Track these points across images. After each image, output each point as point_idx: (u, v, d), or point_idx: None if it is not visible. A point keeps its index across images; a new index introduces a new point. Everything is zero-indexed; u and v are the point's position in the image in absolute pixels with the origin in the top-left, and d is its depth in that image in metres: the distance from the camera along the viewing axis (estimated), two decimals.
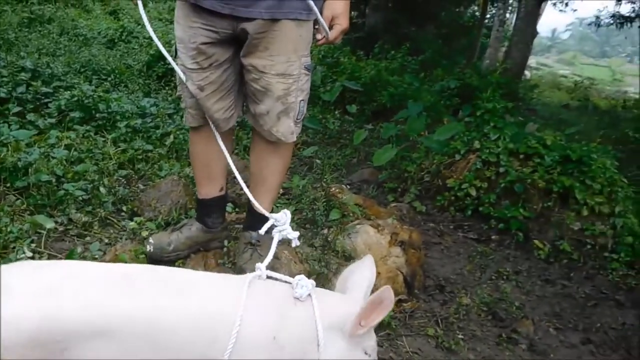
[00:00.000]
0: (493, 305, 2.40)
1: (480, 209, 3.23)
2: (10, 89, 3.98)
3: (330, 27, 1.63)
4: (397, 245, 2.47)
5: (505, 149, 3.33)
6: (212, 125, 1.76)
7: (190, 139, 2.02)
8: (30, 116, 3.68)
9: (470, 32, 11.65)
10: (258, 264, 1.18)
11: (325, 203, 2.67)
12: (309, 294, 1.08)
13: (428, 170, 3.48)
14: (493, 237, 3.14)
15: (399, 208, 3.09)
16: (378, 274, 2.31)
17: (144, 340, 0.91)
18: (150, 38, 6.72)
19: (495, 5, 10.63)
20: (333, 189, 2.84)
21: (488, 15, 11.93)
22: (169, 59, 1.63)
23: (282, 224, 1.44)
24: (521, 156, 3.35)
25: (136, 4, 1.64)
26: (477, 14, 12.97)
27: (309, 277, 2.04)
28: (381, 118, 4.78)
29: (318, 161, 3.63)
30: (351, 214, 2.64)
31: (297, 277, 1.13)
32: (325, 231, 2.42)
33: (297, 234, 1.45)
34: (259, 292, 1.07)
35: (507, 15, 10.91)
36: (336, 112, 4.68)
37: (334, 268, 2.22)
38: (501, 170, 3.25)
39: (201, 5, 1.63)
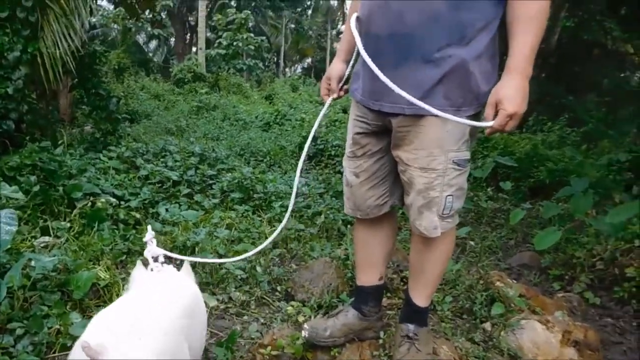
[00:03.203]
0: None
1: None
2: (181, 172, 4.45)
3: (497, 113, 1.55)
4: (571, 345, 2.18)
5: None
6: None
7: (354, 226, 2.07)
8: (198, 197, 4.05)
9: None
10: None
11: (483, 292, 2.47)
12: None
13: (601, 257, 3.09)
14: None
15: (567, 299, 2.76)
16: None
17: None
18: (301, 119, 7.18)
19: None
20: (492, 275, 2.63)
21: None
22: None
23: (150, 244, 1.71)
24: None
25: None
26: None
27: None
28: (540, 195, 4.44)
29: (472, 242, 3.44)
30: (513, 305, 2.41)
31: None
32: (486, 325, 2.22)
33: (162, 252, 1.70)
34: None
35: None
36: (488, 190, 4.46)
37: None
38: None
39: (361, 103, 1.80)
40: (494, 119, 1.54)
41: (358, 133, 1.84)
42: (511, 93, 1.51)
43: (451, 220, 1.76)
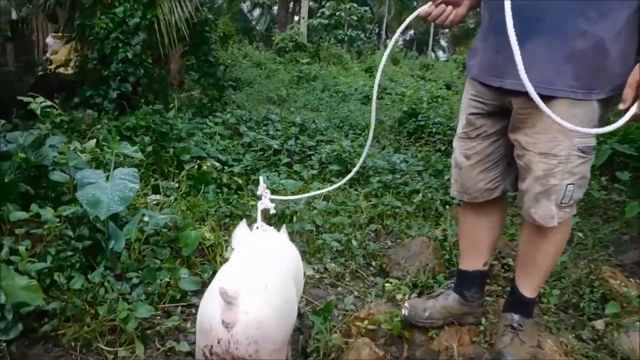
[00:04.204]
0: None
1: None
2: (282, 141, 4.54)
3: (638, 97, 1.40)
4: None
5: None
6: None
7: (460, 211, 2.01)
8: (297, 167, 4.12)
9: None
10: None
11: (593, 288, 2.31)
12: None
13: None
14: None
15: None
16: None
17: None
18: (402, 94, 7.04)
19: None
20: (603, 271, 2.45)
21: None
22: None
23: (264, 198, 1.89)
24: None
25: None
26: None
27: None
28: None
29: (580, 234, 3.21)
30: (626, 305, 2.23)
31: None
32: (596, 324, 2.08)
33: (273, 205, 1.91)
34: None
35: None
36: (602, 179, 4.12)
37: None
38: None
39: (477, 79, 1.71)
40: (632, 101, 1.40)
41: (473, 113, 1.76)
42: None
43: (569, 210, 1.64)
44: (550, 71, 1.49)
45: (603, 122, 1.59)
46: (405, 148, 5.35)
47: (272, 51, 16.58)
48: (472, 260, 1.90)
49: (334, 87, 9.51)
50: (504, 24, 1.36)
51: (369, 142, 1.96)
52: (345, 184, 2.18)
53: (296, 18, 26.22)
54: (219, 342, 1.22)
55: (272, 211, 1.92)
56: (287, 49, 15.93)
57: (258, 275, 1.35)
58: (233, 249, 1.78)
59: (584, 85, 1.48)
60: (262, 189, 1.93)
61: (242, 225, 1.87)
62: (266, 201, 1.90)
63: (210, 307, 1.25)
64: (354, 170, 2.01)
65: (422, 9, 1.69)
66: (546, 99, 1.50)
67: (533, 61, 1.47)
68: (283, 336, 1.36)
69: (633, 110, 1.40)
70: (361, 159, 1.99)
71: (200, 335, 1.28)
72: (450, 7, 1.66)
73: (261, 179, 2.00)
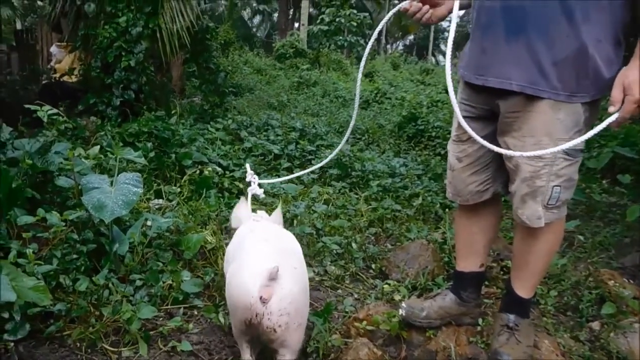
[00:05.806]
0: None
1: None
2: (283, 146, 4.58)
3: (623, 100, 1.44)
4: None
5: None
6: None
7: (455, 213, 2.05)
8: (297, 171, 4.14)
9: None
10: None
11: (591, 290, 2.34)
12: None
13: None
14: None
15: None
16: None
17: None
18: (402, 98, 7.07)
19: None
20: (602, 273, 2.47)
21: None
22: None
23: (253, 184, 2.00)
24: None
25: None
26: None
27: None
28: None
29: (580, 237, 3.23)
30: (625, 307, 2.25)
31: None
32: (594, 325, 2.11)
33: (261, 190, 2.02)
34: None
35: None
36: (604, 182, 4.15)
37: None
38: None
39: (463, 78, 1.75)
40: (621, 102, 1.45)
41: (463, 117, 1.78)
42: (638, 78, 1.41)
43: (557, 211, 1.68)
44: (535, 72, 1.53)
45: (590, 125, 1.63)
46: (405, 152, 5.38)
47: (272, 57, 16.64)
48: (468, 262, 1.93)
49: (334, 93, 9.55)
50: (489, 25, 1.41)
51: (346, 136, 2.07)
52: (316, 170, 2.61)
53: (296, 25, 26.32)
54: (256, 316, 1.42)
55: (262, 196, 2.03)
56: (288, 55, 15.99)
57: (285, 257, 1.54)
58: (233, 228, 1.95)
59: (567, 88, 1.52)
60: (249, 175, 2.01)
61: (242, 203, 2.01)
62: (255, 187, 1.99)
63: (249, 286, 1.44)
64: (329, 157, 2.18)
65: (402, 5, 1.78)
66: (530, 102, 1.55)
67: (519, 61, 1.54)
68: (306, 314, 1.56)
69: (615, 115, 1.43)
70: (337, 149, 2.15)
71: (238, 310, 1.47)
72: (427, 7, 1.75)
73: (247, 165, 2.08)
